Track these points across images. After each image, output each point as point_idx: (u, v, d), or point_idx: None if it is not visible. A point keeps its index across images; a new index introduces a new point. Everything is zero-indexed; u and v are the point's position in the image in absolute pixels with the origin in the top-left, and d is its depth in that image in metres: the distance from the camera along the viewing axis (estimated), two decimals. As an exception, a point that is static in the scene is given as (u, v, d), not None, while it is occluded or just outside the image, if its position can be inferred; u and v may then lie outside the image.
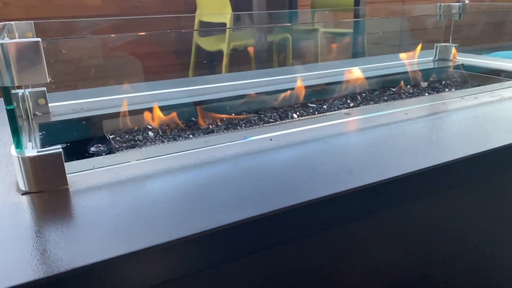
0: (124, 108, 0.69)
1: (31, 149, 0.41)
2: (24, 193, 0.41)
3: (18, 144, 0.41)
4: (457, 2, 1.07)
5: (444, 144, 0.53)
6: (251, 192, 0.41)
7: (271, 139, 0.56)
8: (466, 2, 1.07)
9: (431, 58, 1.11)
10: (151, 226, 0.36)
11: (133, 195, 0.41)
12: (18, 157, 0.40)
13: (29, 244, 0.33)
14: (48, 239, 0.34)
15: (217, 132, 0.70)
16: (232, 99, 0.79)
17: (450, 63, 1.05)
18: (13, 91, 0.60)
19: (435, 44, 1.11)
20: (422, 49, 1.17)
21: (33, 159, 0.40)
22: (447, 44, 1.10)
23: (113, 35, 0.66)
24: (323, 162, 0.47)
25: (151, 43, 2.16)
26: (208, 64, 2.33)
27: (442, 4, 1.05)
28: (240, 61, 2.42)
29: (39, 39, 0.39)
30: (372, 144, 0.53)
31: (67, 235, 0.34)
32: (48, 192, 0.41)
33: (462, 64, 1.03)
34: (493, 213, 0.59)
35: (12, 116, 0.41)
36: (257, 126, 0.72)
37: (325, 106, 0.83)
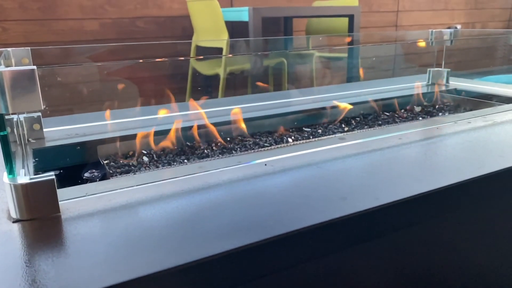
0: (119, 133, 0.69)
1: (24, 176, 0.41)
2: (15, 221, 0.41)
3: (11, 171, 0.41)
4: (449, 27, 1.09)
5: (438, 169, 0.53)
6: (244, 219, 0.40)
7: (265, 164, 0.56)
8: (458, 27, 1.09)
9: (425, 82, 1.12)
10: (143, 254, 0.35)
11: (126, 222, 0.40)
12: (10, 184, 0.40)
13: (18, 274, 0.33)
14: (38, 269, 0.33)
15: (211, 156, 0.70)
16: (228, 124, 0.80)
17: (443, 88, 1.07)
18: (7, 117, 0.61)
19: (428, 69, 1.13)
20: (415, 73, 1.19)
21: (25, 187, 0.40)
22: (440, 69, 1.12)
23: (109, 62, 0.67)
24: (317, 188, 0.47)
25: (147, 68, 2.18)
26: (205, 88, 2.35)
27: (434, 30, 1.07)
28: (236, 85, 2.44)
29: (34, 67, 0.39)
30: (366, 170, 0.53)
31: (57, 265, 0.34)
32: (39, 220, 0.41)
33: (455, 89, 1.05)
34: (488, 237, 0.59)
35: (5, 142, 0.41)
36: (252, 151, 0.72)
37: (319, 131, 0.83)
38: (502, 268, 0.63)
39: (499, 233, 0.60)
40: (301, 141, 0.76)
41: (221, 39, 2.01)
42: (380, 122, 0.88)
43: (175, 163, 0.67)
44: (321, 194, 0.46)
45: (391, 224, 0.46)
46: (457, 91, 1.04)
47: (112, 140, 0.68)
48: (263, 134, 0.81)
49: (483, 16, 3.55)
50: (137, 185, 0.49)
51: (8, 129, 0.61)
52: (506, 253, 0.62)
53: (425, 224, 0.51)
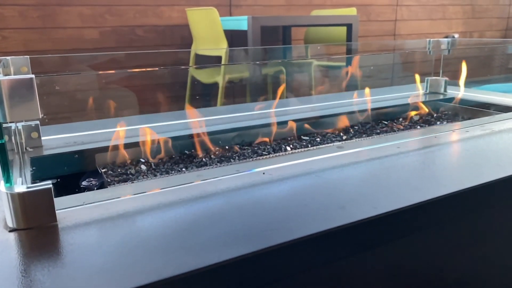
0: (117, 141, 0.69)
1: (21, 185, 0.41)
2: (11, 230, 0.41)
3: (8, 180, 0.41)
4: (447, 37, 1.10)
5: (436, 178, 0.53)
6: (242, 229, 0.40)
7: (264, 173, 0.55)
8: (456, 36, 1.10)
9: (422, 91, 1.13)
10: (140, 264, 0.35)
11: (123, 232, 0.40)
12: (7, 193, 0.40)
13: (13, 285, 0.32)
14: (34, 279, 0.33)
15: (210, 165, 0.69)
16: (226, 132, 0.80)
17: (441, 96, 1.07)
18: (5, 125, 0.61)
19: (426, 78, 1.13)
20: (413, 82, 1.19)
21: (22, 196, 0.40)
22: (438, 77, 1.12)
23: (108, 72, 0.67)
24: (315, 197, 0.47)
25: (146, 76, 2.19)
26: (204, 96, 2.36)
27: (432, 39, 1.07)
28: (235, 93, 2.45)
29: (32, 75, 0.39)
30: (365, 179, 0.53)
31: (53, 275, 0.33)
32: (36, 229, 0.41)
33: (453, 98, 1.05)
34: (487, 246, 0.59)
35: (2, 151, 0.40)
36: (250, 159, 0.72)
37: (318, 139, 0.83)
38: (501, 277, 0.62)
39: (497, 242, 0.60)
40: (300, 150, 0.76)
41: (220, 48, 2.02)
42: (378, 131, 0.88)
43: (173, 172, 0.67)
44: (320, 203, 0.46)
45: (390, 233, 0.46)
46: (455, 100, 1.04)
47: (110, 148, 0.68)
48: (261, 142, 0.81)
49: (481, 25, 3.58)
50: (134, 194, 0.49)
51: (6, 138, 0.61)
52: (505, 261, 0.62)
53: (424, 233, 0.51)
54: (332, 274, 0.45)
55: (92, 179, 0.62)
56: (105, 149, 0.68)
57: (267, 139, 0.81)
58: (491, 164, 0.57)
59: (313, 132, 0.86)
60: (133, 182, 0.62)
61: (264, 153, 0.75)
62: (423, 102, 1.02)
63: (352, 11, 2.42)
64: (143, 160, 0.70)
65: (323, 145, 0.79)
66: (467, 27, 3.48)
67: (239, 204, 0.46)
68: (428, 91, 1.12)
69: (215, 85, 2.10)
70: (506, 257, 0.62)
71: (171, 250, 0.37)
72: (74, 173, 0.66)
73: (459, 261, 0.56)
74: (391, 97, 1.07)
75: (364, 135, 0.86)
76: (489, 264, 0.60)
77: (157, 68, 0.71)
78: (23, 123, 0.67)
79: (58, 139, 0.72)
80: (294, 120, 0.86)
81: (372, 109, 0.96)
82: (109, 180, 0.62)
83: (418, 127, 0.91)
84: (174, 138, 0.73)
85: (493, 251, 0.60)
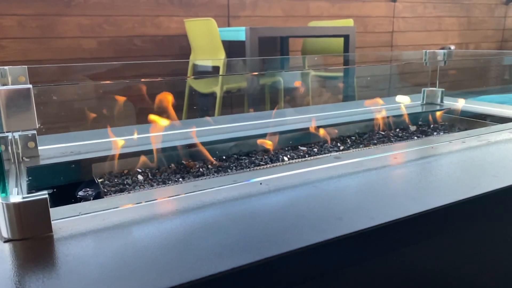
0: (114, 151, 0.69)
1: (16, 195, 0.41)
2: (6, 241, 0.40)
3: (3, 190, 0.41)
4: (443, 48, 1.11)
5: (433, 189, 0.53)
6: (239, 240, 0.40)
7: (261, 183, 0.55)
8: (452, 48, 1.11)
9: (419, 102, 1.13)
10: (135, 275, 0.35)
11: (119, 242, 0.40)
12: (2, 203, 0.40)
13: (7, 296, 0.32)
14: (28, 290, 0.33)
15: (207, 175, 0.69)
16: (223, 142, 0.80)
17: (438, 107, 1.08)
18: (2, 134, 0.61)
19: (423, 89, 1.14)
20: (410, 93, 1.20)
21: (17, 206, 0.39)
22: (434, 88, 1.13)
23: (105, 82, 0.68)
24: (313, 208, 0.47)
25: (144, 86, 2.19)
26: (202, 106, 2.36)
27: (428, 50, 1.08)
28: (233, 103, 2.45)
29: (30, 85, 0.39)
30: (362, 189, 0.53)
31: (48, 286, 0.33)
32: (31, 240, 0.40)
33: (449, 108, 1.06)
34: (482, 258, 0.59)
35: (-2, 161, 0.40)
36: (248, 170, 0.72)
37: (315, 149, 0.83)
38: (498, 287, 0.62)
39: (494, 253, 0.60)
40: (297, 160, 0.77)
41: (218, 58, 2.04)
42: (375, 141, 0.89)
43: (170, 182, 0.66)
44: (317, 214, 0.46)
45: (387, 244, 0.46)
46: (451, 111, 1.05)
47: (107, 158, 0.68)
48: (259, 152, 0.81)
49: (476, 37, 3.62)
50: (131, 204, 0.48)
51: (2, 147, 0.61)
52: (502, 272, 0.62)
53: (421, 244, 0.51)
54: (329, 285, 0.45)
55: (88, 189, 0.62)
56: (101, 159, 0.68)
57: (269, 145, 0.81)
58: (487, 175, 0.57)
59: (311, 142, 0.86)
60: (129, 192, 0.61)
61: (261, 163, 0.75)
62: (420, 113, 1.03)
63: (349, 22, 2.45)
64: (140, 170, 0.70)
65: (321, 156, 0.79)
66: (463, 39, 3.51)
67: (236, 215, 0.46)
68: (424, 102, 1.13)
69: (213, 95, 2.11)
70: (503, 268, 0.62)
71: (167, 261, 0.37)
72: (71, 183, 0.66)
73: (456, 272, 0.56)
74: (388, 107, 1.07)
75: (361, 146, 0.86)
76: (486, 274, 0.60)
77: (155, 79, 0.71)
78: (19, 133, 0.67)
79: (55, 149, 0.72)
80: (294, 130, 0.86)
81: (369, 120, 0.96)
82: (105, 190, 0.62)
83: (415, 137, 0.92)
84: (171, 148, 0.73)
85: (490, 261, 0.60)
